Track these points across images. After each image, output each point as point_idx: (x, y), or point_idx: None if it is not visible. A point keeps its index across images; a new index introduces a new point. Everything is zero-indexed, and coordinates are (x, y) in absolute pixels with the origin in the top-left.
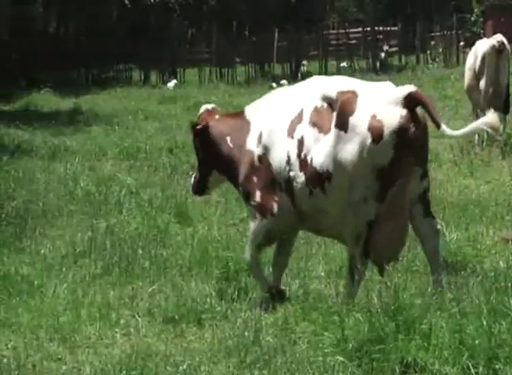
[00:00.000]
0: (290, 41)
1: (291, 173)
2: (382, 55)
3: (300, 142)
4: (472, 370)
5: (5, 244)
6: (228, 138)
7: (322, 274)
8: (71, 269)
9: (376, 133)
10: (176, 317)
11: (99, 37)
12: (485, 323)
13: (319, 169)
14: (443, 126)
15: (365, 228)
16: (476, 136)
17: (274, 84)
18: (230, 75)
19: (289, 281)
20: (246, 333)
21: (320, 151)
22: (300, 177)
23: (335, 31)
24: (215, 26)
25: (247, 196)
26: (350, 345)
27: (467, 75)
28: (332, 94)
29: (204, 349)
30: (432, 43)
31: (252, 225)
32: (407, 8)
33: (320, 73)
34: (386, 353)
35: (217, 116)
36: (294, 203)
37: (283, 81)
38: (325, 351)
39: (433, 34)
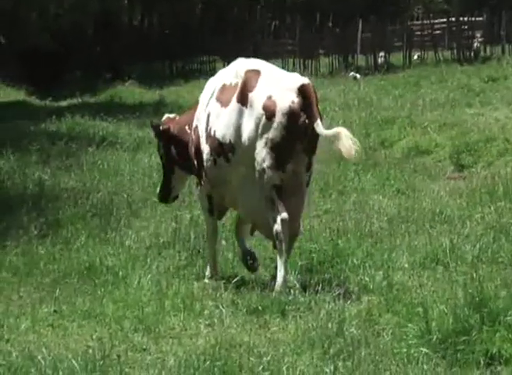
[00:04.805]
0: (374, 32)
1: (201, 145)
2: (475, 45)
3: (208, 116)
4: None
5: (90, 236)
6: (186, 126)
7: (406, 265)
8: (155, 260)
9: (269, 111)
10: (260, 308)
11: (183, 29)
12: None
13: (222, 140)
14: (318, 121)
15: (273, 191)
16: None
17: (353, 74)
18: (314, 66)
19: (373, 273)
20: (329, 325)
21: (222, 124)
22: (206, 149)
23: (419, 22)
24: (298, 17)
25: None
26: (435, 337)
27: None
28: (241, 72)
29: (288, 340)
30: None
31: (196, 192)
32: None
33: (404, 65)
34: (471, 345)
35: (177, 118)
36: (205, 173)
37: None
38: (409, 342)
39: None
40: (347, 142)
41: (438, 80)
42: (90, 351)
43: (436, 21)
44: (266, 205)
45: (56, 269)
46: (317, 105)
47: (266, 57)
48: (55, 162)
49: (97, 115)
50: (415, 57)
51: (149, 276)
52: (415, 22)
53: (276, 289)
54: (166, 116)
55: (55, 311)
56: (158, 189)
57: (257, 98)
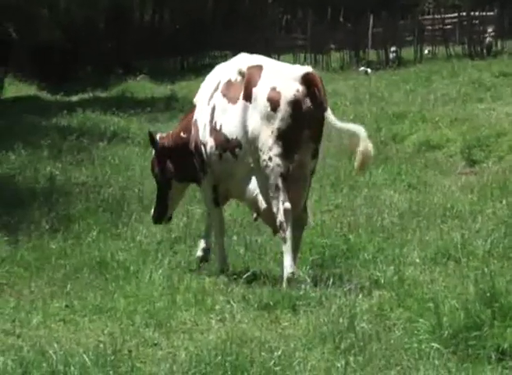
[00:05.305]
0: (385, 27)
1: (205, 138)
2: (488, 39)
3: (212, 110)
4: None
5: (101, 231)
6: (181, 133)
7: (417, 260)
8: (166, 255)
9: (274, 102)
10: (271, 303)
11: (194, 24)
12: None
13: (229, 137)
14: (329, 111)
15: (280, 180)
16: None
17: (364, 68)
18: (325, 61)
19: (385, 268)
20: (340, 320)
21: (229, 120)
22: (210, 142)
23: (430, 17)
24: (310, 12)
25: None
26: (446, 332)
27: None
28: (244, 68)
29: (299, 335)
30: None
31: (201, 184)
32: None
33: (415, 59)
34: (482, 340)
35: (170, 132)
36: (208, 165)
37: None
38: (421, 337)
39: None
40: (369, 152)
41: (449, 75)
42: (102, 346)
43: (447, 16)
44: (271, 192)
45: (67, 264)
46: (324, 95)
47: (277, 52)
48: (67, 157)
49: (108, 110)
50: (426, 52)
51: (160, 271)
52: (426, 17)
53: (284, 277)
54: (159, 134)
55: (66, 306)
56: (152, 210)
57: (261, 91)
